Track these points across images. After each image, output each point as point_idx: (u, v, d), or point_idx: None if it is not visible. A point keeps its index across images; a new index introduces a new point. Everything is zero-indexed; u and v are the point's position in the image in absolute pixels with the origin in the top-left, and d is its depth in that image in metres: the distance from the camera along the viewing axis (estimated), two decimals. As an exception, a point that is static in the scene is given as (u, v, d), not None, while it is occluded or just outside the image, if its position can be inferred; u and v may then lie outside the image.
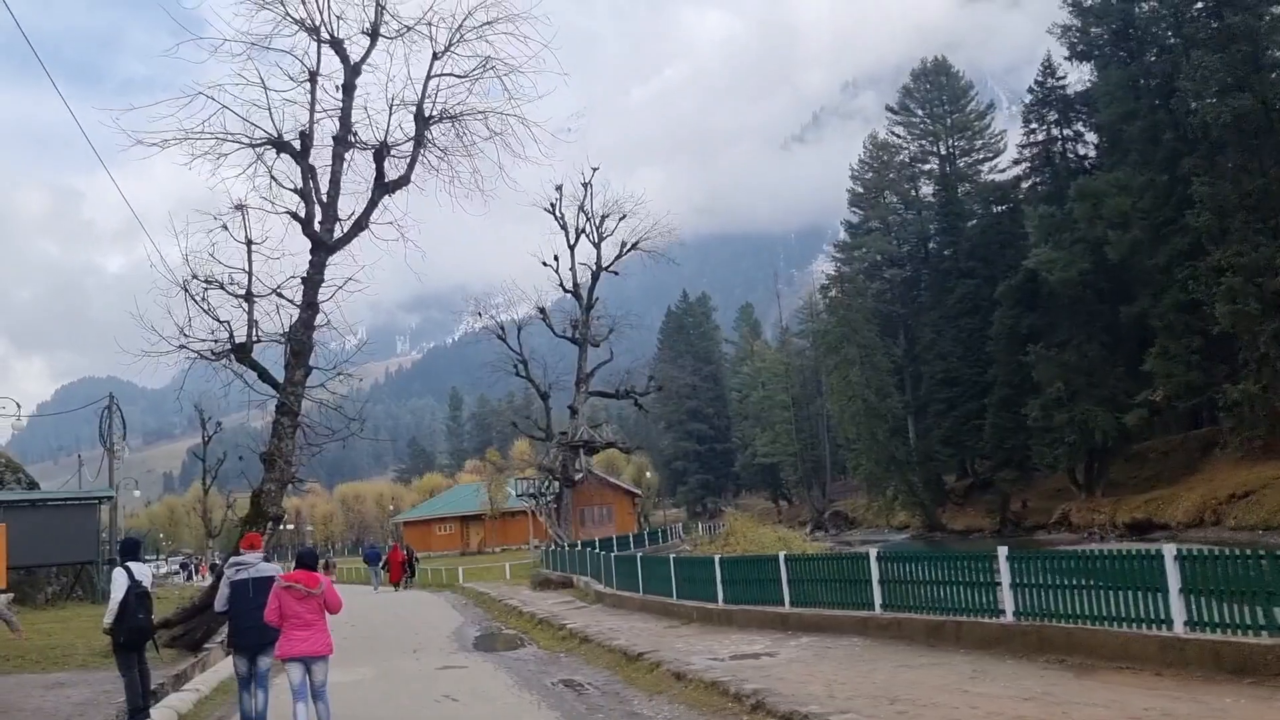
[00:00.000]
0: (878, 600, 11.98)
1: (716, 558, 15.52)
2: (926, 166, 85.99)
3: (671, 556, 17.42)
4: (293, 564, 9.44)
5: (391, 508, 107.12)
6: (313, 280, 17.33)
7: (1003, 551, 10.31)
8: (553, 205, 48.30)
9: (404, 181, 17.92)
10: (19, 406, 28.64)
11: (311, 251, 17.48)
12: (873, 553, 12.20)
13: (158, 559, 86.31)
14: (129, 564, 9.75)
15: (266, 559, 9.89)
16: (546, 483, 46.98)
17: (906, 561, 11.80)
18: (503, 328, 49.15)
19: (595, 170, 48.01)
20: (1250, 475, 42.11)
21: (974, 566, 10.64)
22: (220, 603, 9.60)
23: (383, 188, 17.76)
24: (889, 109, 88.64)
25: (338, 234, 17.65)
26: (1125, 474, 55.77)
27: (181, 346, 17.21)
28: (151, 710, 10.27)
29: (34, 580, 34.11)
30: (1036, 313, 58.16)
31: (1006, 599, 10.18)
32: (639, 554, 19.69)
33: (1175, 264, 47.55)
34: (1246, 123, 42.77)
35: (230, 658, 14.00)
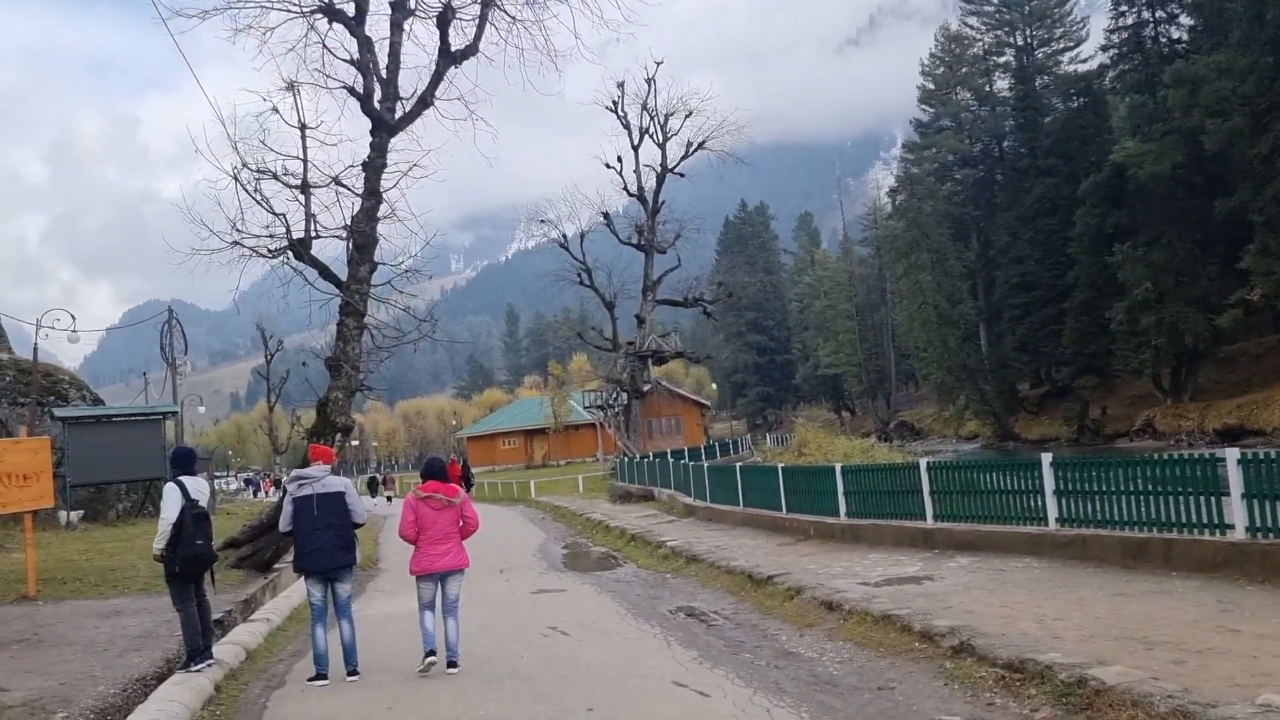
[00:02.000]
0: (1052, 514, 10.12)
1: (838, 467, 13.73)
2: (1002, 59, 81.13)
3: (780, 466, 15.69)
4: (364, 481, 7.95)
5: (454, 423, 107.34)
6: (374, 164, 15.56)
7: (1232, 455, 8.34)
8: (615, 103, 45.88)
9: (471, 50, 15.91)
10: (74, 319, 27.57)
11: (372, 132, 15.68)
12: (1046, 459, 10.28)
13: (229, 474, 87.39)
14: (183, 478, 8.12)
15: (335, 473, 8.30)
16: (614, 394, 45.61)
17: (1095, 468, 9.87)
18: (565, 236, 47.34)
19: (659, 65, 45.48)
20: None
21: (1193, 471, 8.68)
22: (284, 522, 8.15)
23: (448, 57, 15.78)
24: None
25: (399, 113, 15.80)
26: (1214, 378, 53.05)
27: (235, 243, 15.65)
28: (215, 648, 8.89)
29: (104, 497, 33.73)
30: (1122, 210, 54.67)
31: (1237, 512, 8.25)
32: (738, 464, 18.05)
33: (1279, 153, 43.86)
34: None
35: (302, 581, 12.62)
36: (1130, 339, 52.48)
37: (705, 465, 20.07)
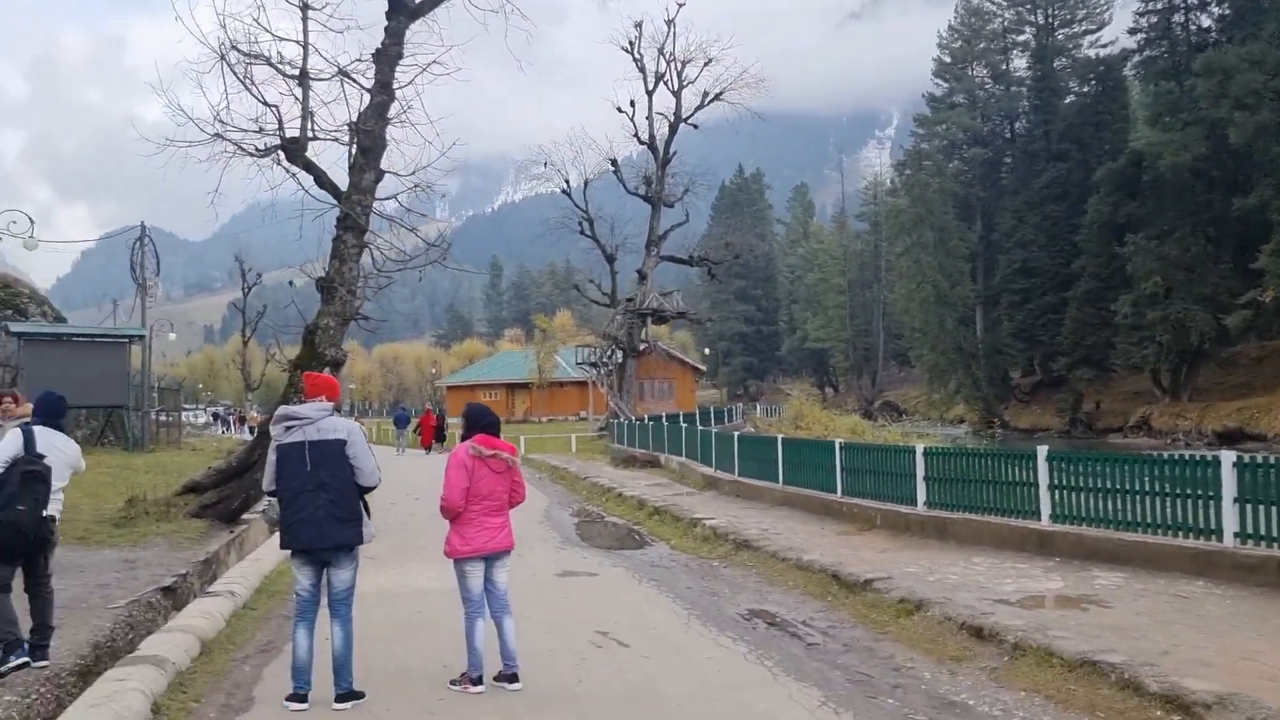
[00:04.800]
0: (1230, 527, 8.07)
1: (918, 448, 11.63)
2: (1021, 37, 78.88)
3: (837, 442, 13.60)
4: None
5: (434, 371, 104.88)
6: (388, 53, 13.13)
7: None
8: (631, 44, 43.17)
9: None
10: (32, 222, 24.91)
11: (388, 15, 13.24)
12: (1228, 457, 8.20)
13: (198, 407, 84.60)
14: (37, 428, 6.11)
15: (335, 411, 5.99)
16: (609, 351, 43.35)
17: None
18: (568, 183, 44.84)
19: (681, 7, 42.79)
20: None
21: None
22: (267, 478, 5.89)
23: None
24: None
25: (421, -5, 13.40)
26: (1212, 379, 51.95)
27: (217, 135, 13.21)
28: (159, 636, 6.70)
29: (59, 423, 31.37)
30: (1136, 201, 52.97)
31: None
32: (779, 436, 15.94)
33: (1306, 152, 42.22)
34: None
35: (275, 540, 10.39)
36: (1134, 333, 51.23)
37: (735, 434, 17.96)
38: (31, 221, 24.56)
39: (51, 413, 6.35)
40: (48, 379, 26.24)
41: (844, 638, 7.33)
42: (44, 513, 5.93)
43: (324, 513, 5.60)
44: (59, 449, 6.22)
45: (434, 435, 39.54)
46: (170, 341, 53.41)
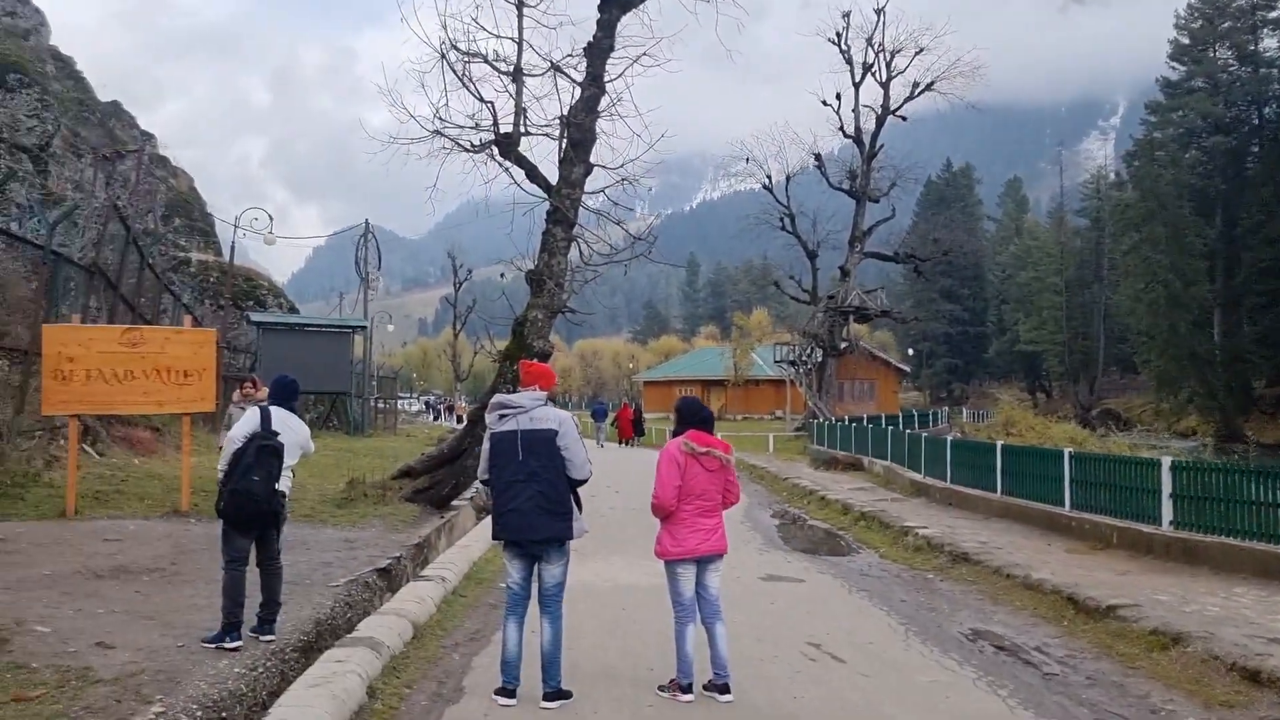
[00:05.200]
0: None
1: (1165, 461, 10.49)
2: (1273, 14, 71.45)
3: (1066, 451, 12.52)
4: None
5: (631, 366, 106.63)
6: (599, 46, 13.17)
7: None
8: (838, 35, 42.15)
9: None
10: (270, 219, 26.87)
11: (600, 8, 13.28)
12: None
13: (411, 395, 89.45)
14: (274, 408, 6.38)
15: (549, 401, 5.83)
16: (808, 349, 42.50)
17: None
18: (769, 178, 44.26)
19: (891, -5, 41.47)
20: None
21: None
22: (482, 467, 5.78)
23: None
24: (1229, -59, 73.97)
25: (634, -14, 13.35)
26: None
27: (436, 132, 13.64)
28: (373, 619, 6.83)
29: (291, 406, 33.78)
30: None
31: None
32: (999, 443, 14.93)
33: None
34: None
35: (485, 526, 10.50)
36: None
37: (947, 439, 16.98)
38: (271, 219, 26.42)
39: (285, 395, 6.62)
40: (281, 364, 28.34)
41: (1087, 669, 6.59)
42: (276, 486, 6.16)
43: (533, 504, 5.45)
44: (291, 428, 6.46)
45: (631, 429, 40.12)
46: (389, 332, 56.78)
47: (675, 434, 5.82)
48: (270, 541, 6.34)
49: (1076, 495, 12.11)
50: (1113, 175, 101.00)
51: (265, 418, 6.24)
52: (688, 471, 5.63)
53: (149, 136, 45.55)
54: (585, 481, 5.64)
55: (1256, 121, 71.72)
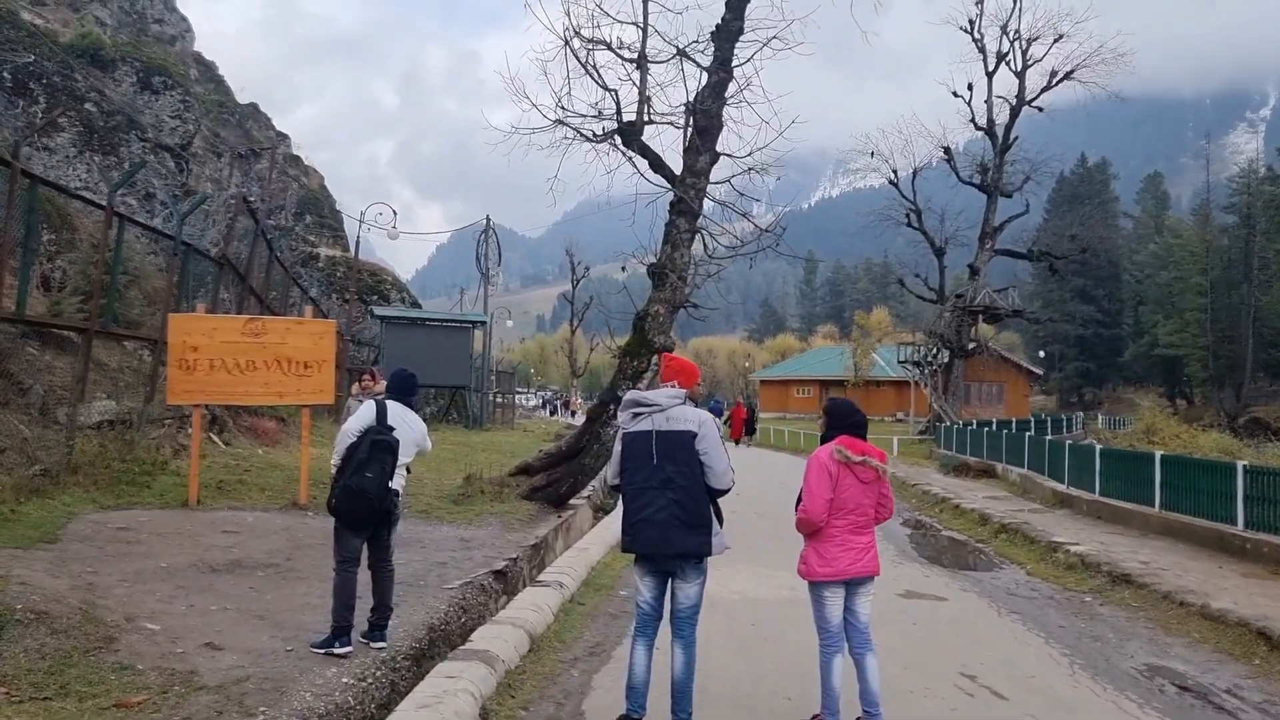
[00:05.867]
0: None
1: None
2: None
3: (1240, 464, 11.31)
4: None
5: (746, 364, 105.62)
6: (728, 29, 12.58)
7: None
8: (971, 23, 40.40)
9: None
10: (395, 213, 27.22)
11: (730, -12, 12.70)
12: None
13: (529, 390, 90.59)
14: (390, 402, 6.08)
15: (689, 400, 5.20)
16: (934, 350, 40.89)
17: None
18: (895, 173, 42.75)
19: (1029, -22, 39.52)
20: None
21: None
22: (612, 469, 5.20)
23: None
24: None
25: (766, -35, 12.75)
26: None
27: (559, 122, 13.28)
28: (489, 628, 6.43)
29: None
30: None
31: None
32: (1158, 453, 13.71)
33: None
34: None
35: (604, 528, 10.13)
36: None
37: (1095, 447, 15.76)
38: (395, 214, 26.74)
39: (403, 389, 6.30)
40: (403, 358, 28.86)
41: (1291, 720, 5.71)
42: (389, 484, 5.82)
43: (668, 514, 4.83)
44: (408, 424, 6.13)
45: (744, 428, 39.48)
46: (507, 328, 57.41)
47: (824, 439, 5.18)
48: (383, 542, 6.01)
49: (1252, 513, 10.93)
50: (1263, 169, 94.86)
51: (381, 412, 5.92)
52: (840, 482, 5.02)
53: (284, 137, 47.09)
54: (726, 492, 5.03)
55: None
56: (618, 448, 5.16)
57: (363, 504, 5.66)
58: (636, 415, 5.07)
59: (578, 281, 57.79)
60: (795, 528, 5.15)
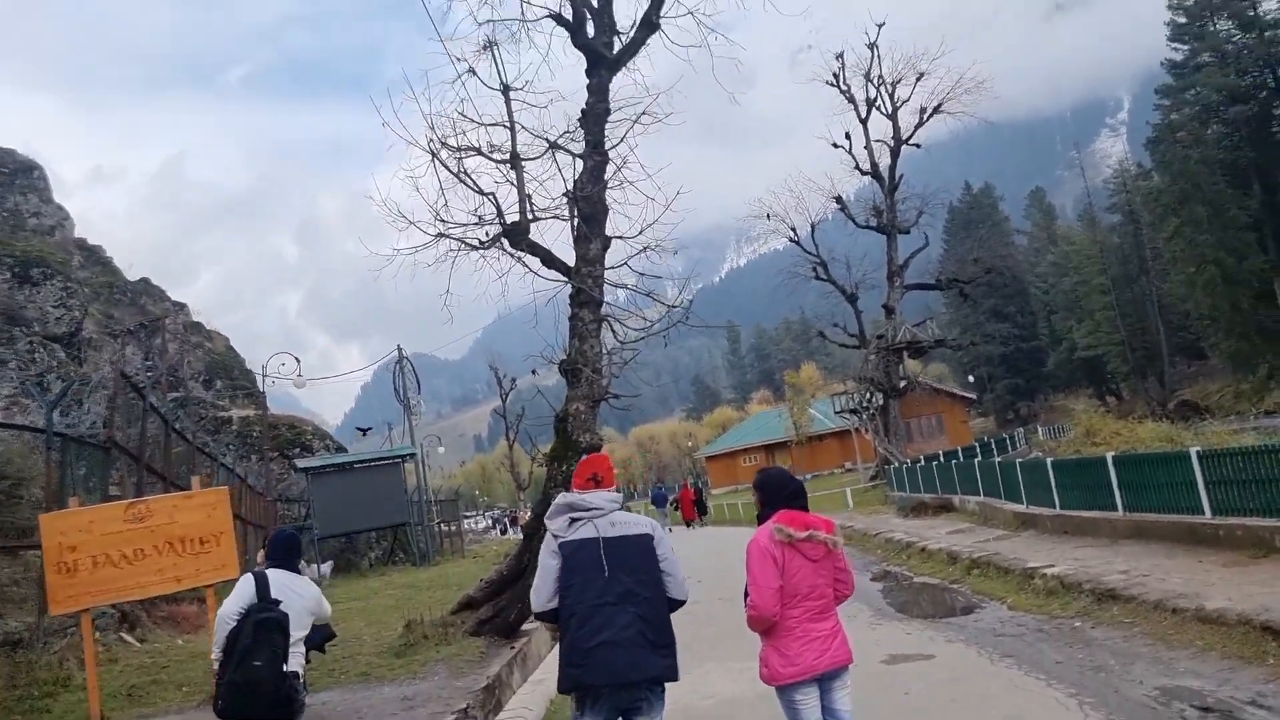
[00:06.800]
0: None
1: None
2: (1266, -23, 70.33)
3: (1194, 450, 11.01)
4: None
5: (689, 444, 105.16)
6: (594, 111, 12.32)
7: None
8: (836, 76, 41.63)
9: (701, -49, 12.41)
10: (298, 361, 26.37)
11: (588, 72, 12.49)
12: None
13: (477, 514, 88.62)
14: (271, 571, 5.31)
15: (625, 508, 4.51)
16: (868, 395, 40.93)
17: None
18: (794, 231, 43.32)
19: (881, 28, 40.90)
20: None
21: None
22: (543, 592, 4.29)
23: (673, -39, 12.36)
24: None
25: (618, 46, 12.57)
26: None
27: (440, 235, 12.80)
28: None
29: (355, 547, 32.82)
30: None
31: None
32: (1108, 455, 13.41)
33: None
34: None
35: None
36: None
37: (1048, 460, 15.46)
38: (299, 361, 25.90)
39: (285, 553, 5.50)
40: (336, 508, 27.67)
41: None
42: (284, 667, 4.98)
43: (634, 633, 4.07)
44: (296, 593, 5.34)
45: (694, 509, 38.94)
46: (441, 455, 56.15)
47: (761, 518, 4.54)
48: None
49: (1217, 499, 10.59)
50: (1135, 167, 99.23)
51: (262, 585, 5.12)
52: (787, 566, 4.35)
53: (181, 306, 46.00)
54: (684, 603, 4.39)
55: (1273, 84, 70.01)
56: (551, 563, 4.29)
57: (256, 699, 4.83)
58: (575, 521, 4.31)
59: (506, 395, 57.10)
60: (747, 626, 4.48)
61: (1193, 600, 8.01)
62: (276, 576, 5.25)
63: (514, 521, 61.08)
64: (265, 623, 4.94)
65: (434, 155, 12.84)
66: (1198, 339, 74.12)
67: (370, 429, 36.41)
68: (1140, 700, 6.17)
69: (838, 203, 41.35)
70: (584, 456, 11.45)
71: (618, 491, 4.50)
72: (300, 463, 30.54)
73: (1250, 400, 66.28)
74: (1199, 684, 6.32)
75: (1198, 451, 10.93)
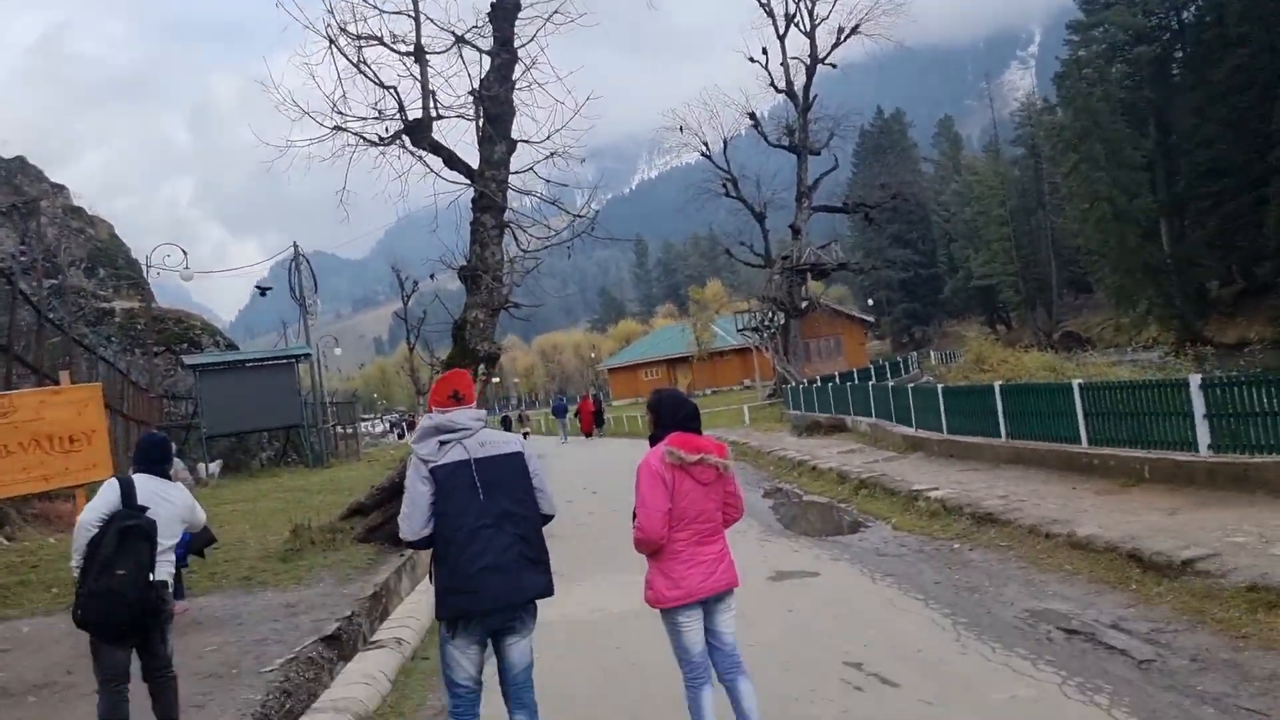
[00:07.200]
0: None
1: (1194, 380, 9.41)
2: (1178, -83, 71.33)
3: (1076, 383, 11.44)
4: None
5: (593, 355, 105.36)
6: (504, 7, 11.79)
7: None
8: (757, -13, 40.95)
9: None
10: (185, 254, 25.19)
11: (500, -36, 11.90)
12: None
13: (374, 417, 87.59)
14: (138, 475, 5.05)
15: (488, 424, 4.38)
16: (770, 314, 41.41)
17: None
18: (706, 145, 43.01)
19: (805, -60, 40.14)
20: None
21: None
22: (416, 520, 4.09)
23: None
24: None
25: (533, -62, 12.00)
26: None
27: (337, 128, 12.18)
28: (311, 717, 5.50)
29: (246, 447, 31.99)
30: (1341, 72, 46.79)
31: None
32: (997, 384, 13.81)
33: None
34: None
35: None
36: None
37: (938, 387, 15.88)
38: (185, 253, 24.76)
39: (153, 457, 5.21)
40: (226, 408, 26.79)
41: (1186, 648, 5.43)
42: (150, 577, 4.74)
43: (515, 554, 4.01)
44: (166, 499, 5.07)
45: (593, 420, 39.18)
46: (338, 356, 54.91)
47: (653, 440, 4.44)
48: (156, 648, 4.94)
49: (1094, 429, 11.03)
50: (1040, 101, 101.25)
51: (127, 490, 4.85)
52: (677, 489, 4.26)
53: (60, 188, 43.36)
54: (553, 519, 4.35)
55: (1177, 27, 71.64)
56: (423, 489, 4.11)
57: (118, 609, 4.60)
58: (444, 443, 4.16)
59: (408, 298, 56.03)
60: (634, 548, 4.43)
61: (1065, 526, 8.35)
62: (144, 482, 4.98)
63: (411, 426, 60.45)
64: (130, 530, 4.68)
65: (332, 42, 12.15)
66: (1085, 273, 77.03)
67: (271, 289, 35.00)
68: (1010, 622, 6.41)
69: (751, 119, 41.07)
70: (479, 367, 11.24)
71: (482, 408, 4.40)
72: (188, 359, 29.47)
73: (1129, 334, 69.49)
74: (1065, 607, 6.60)
75: (1080, 384, 11.33)
